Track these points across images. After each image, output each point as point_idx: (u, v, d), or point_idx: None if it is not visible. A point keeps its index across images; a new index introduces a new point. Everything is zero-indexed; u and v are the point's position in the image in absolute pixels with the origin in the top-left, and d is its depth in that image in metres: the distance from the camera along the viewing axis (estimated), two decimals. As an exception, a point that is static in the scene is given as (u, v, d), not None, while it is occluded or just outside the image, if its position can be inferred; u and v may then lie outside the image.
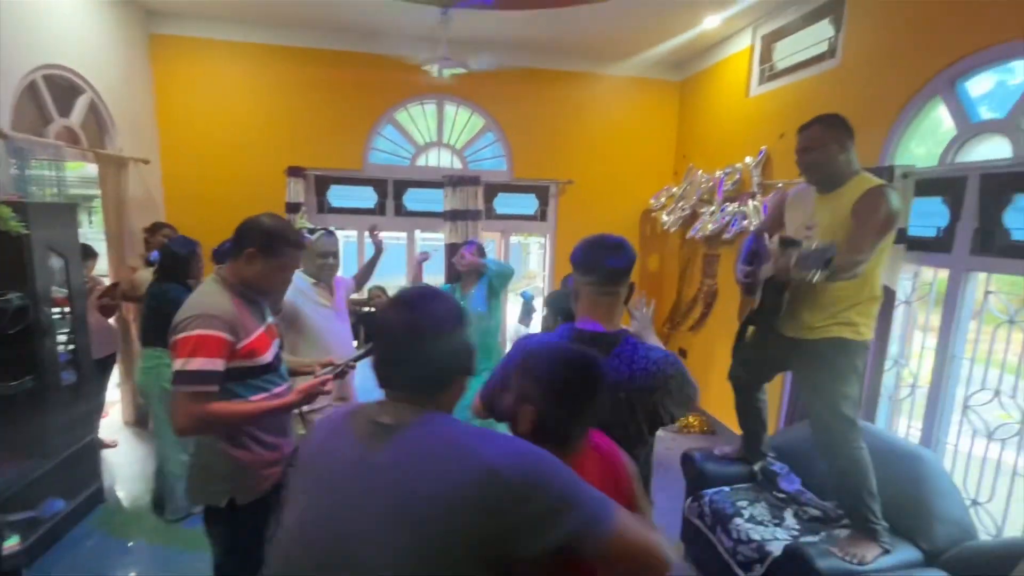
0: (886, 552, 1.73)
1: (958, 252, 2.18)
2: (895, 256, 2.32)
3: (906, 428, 2.48)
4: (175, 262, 2.50)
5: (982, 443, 2.14)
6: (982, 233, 2.11)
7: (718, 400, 3.85)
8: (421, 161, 4.36)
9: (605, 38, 3.87)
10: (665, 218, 4.24)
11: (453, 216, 4.18)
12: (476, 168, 4.39)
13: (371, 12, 3.53)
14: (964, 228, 2.16)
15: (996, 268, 2.07)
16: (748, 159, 3.44)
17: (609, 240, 1.21)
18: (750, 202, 3.34)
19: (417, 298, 0.81)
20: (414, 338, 0.78)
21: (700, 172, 3.98)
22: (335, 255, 2.27)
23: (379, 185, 4.29)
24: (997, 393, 2.11)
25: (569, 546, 0.70)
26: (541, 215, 4.53)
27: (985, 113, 2.17)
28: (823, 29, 2.97)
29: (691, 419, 3.94)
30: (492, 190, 4.40)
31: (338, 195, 4.27)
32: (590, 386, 0.90)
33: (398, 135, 4.30)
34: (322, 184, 4.19)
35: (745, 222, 3.35)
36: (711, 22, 3.48)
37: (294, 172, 3.99)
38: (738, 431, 2.45)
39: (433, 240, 6.42)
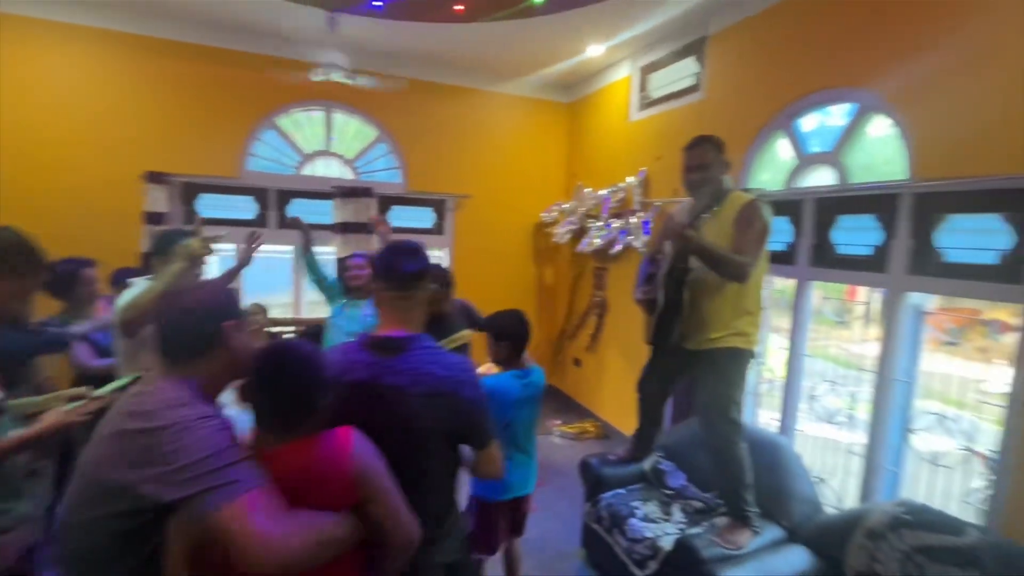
0: (757, 535, 1.93)
1: (800, 264, 2.54)
2: (753, 268, 2.63)
3: (766, 419, 2.82)
4: None
5: (824, 427, 2.50)
6: (817, 248, 2.48)
7: (611, 406, 4.07)
8: (308, 170, 4.10)
9: (496, 57, 3.97)
10: (556, 231, 4.42)
11: (344, 229, 3.97)
12: (369, 180, 4.23)
13: (251, 9, 3.26)
14: (804, 244, 2.52)
15: (828, 277, 2.45)
16: (630, 179, 3.72)
17: (404, 246, 1.23)
18: (632, 218, 3.60)
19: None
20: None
21: (588, 189, 4.22)
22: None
23: (260, 195, 3.94)
24: (833, 384, 2.47)
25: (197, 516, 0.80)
26: (438, 228, 4.48)
27: (815, 147, 2.56)
28: (690, 65, 3.32)
29: (588, 425, 4.10)
30: (386, 202, 4.26)
31: (211, 205, 3.84)
32: (275, 371, 0.98)
33: (282, 142, 4.00)
34: (190, 192, 3.74)
35: (630, 237, 3.60)
36: (594, 51, 3.72)
37: (155, 178, 3.52)
38: (630, 433, 2.59)
39: (325, 254, 6.05)
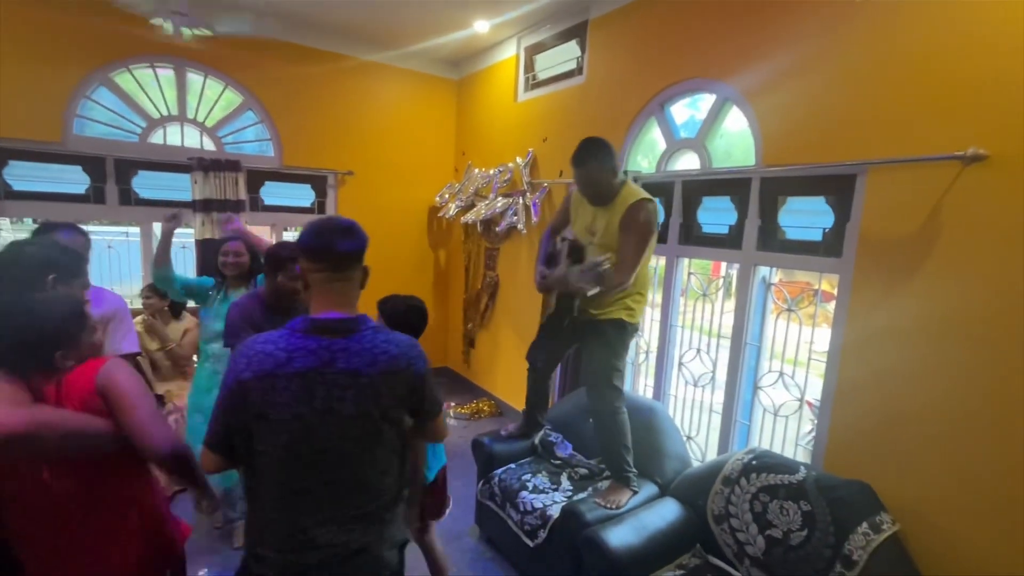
0: (635, 493, 2.09)
1: (671, 243, 2.75)
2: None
3: (643, 386, 3.05)
4: None
5: (692, 390, 2.77)
6: (685, 227, 2.70)
7: (505, 384, 4.15)
8: (157, 138, 3.55)
9: (376, 23, 3.73)
10: (449, 210, 4.33)
11: (206, 206, 3.52)
12: (236, 152, 3.78)
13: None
14: (674, 223, 2.73)
15: (694, 255, 2.68)
16: (518, 159, 3.74)
17: (339, 223, 1.13)
18: (520, 199, 3.64)
19: None
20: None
21: (477, 170, 4.18)
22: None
23: (94, 165, 3.34)
24: (698, 351, 2.74)
25: None
26: (319, 207, 4.17)
27: (683, 133, 2.77)
28: (572, 49, 3.40)
29: (482, 405, 4.14)
30: (257, 178, 3.86)
31: (23, 174, 3.17)
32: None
33: (121, 105, 3.41)
34: (-7, 159, 3.05)
35: (515, 218, 3.64)
36: (481, 26, 3.66)
37: (-63, 140, 2.81)
38: (521, 408, 2.66)
39: (181, 235, 5.31)
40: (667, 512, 1.99)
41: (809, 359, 2.24)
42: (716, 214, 2.54)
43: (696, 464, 2.41)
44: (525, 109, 3.86)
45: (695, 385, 2.73)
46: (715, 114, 2.56)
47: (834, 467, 1.99)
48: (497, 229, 3.85)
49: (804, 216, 2.18)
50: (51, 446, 1.06)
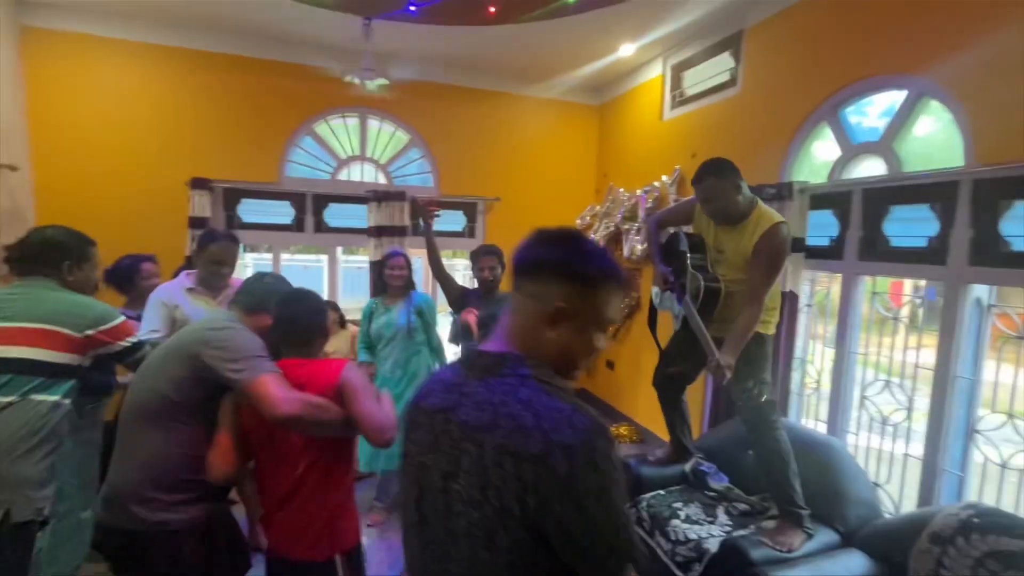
0: (810, 537, 1.84)
1: (848, 258, 2.44)
2: (795, 263, 2.55)
3: (813, 425, 2.70)
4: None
5: (876, 433, 2.38)
6: (867, 240, 2.38)
7: (646, 409, 3.99)
8: (343, 175, 4.20)
9: (526, 59, 3.99)
10: (592, 236, 4.37)
11: (379, 232, 4.04)
12: (402, 184, 4.30)
13: (286, 19, 3.38)
14: (852, 237, 2.42)
15: (881, 271, 2.34)
16: (664, 177, 3.66)
17: (557, 230, 0.85)
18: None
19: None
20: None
21: (621, 190, 4.18)
22: (229, 264, 2.17)
23: (297, 200, 4.06)
24: (887, 383, 2.36)
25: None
26: (469, 232, 4.51)
27: (862, 137, 2.47)
28: (725, 61, 3.27)
29: (622, 429, 4.03)
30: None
31: (250, 210, 3.97)
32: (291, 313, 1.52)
33: (319, 148, 4.12)
34: (232, 197, 3.88)
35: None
36: (626, 50, 3.71)
37: (198, 184, 3.66)
38: (666, 436, 2.54)
39: (355, 262, 6.18)
40: (854, 565, 1.72)
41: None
42: (909, 225, 2.20)
43: (887, 515, 2.05)
44: (672, 127, 3.79)
45: (884, 423, 2.34)
46: (907, 112, 2.24)
47: (1101, 541, 1.54)
48: (639, 248, 3.78)
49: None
50: (311, 424, 1.34)
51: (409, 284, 2.84)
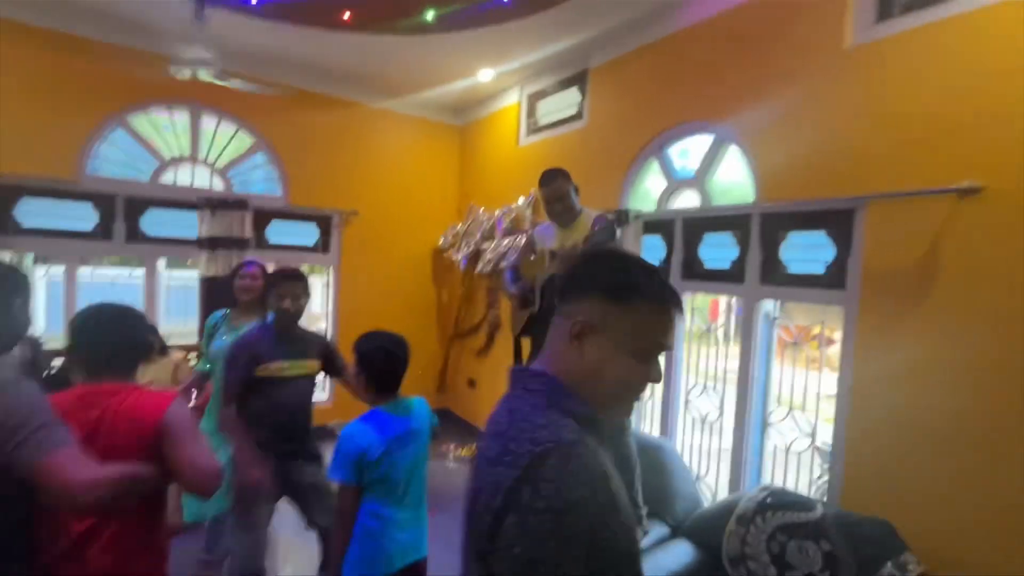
0: (645, 534, 2.01)
1: (674, 278, 2.77)
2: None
3: (648, 429, 2.99)
4: None
5: (698, 431, 2.71)
6: (687, 263, 2.73)
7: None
8: (168, 178, 3.64)
9: (385, 72, 3.91)
10: (455, 256, 4.39)
11: (212, 244, 3.56)
12: (244, 191, 3.87)
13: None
14: (676, 259, 2.76)
15: (697, 289, 2.70)
16: (521, 200, 3.83)
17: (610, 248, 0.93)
18: (524, 238, 3.69)
19: None
20: None
21: (481, 210, 4.27)
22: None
23: (103, 202, 3.40)
24: (705, 387, 2.71)
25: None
26: (323, 246, 4.21)
27: (683, 173, 2.85)
28: (573, 95, 3.55)
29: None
30: (264, 217, 3.92)
31: (35, 212, 3.22)
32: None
33: (136, 145, 3.52)
34: (7, 196, 3.11)
35: (516, 256, 3.68)
36: (485, 75, 3.84)
37: (-48, 176, 2.88)
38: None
39: (182, 278, 5.31)
40: (681, 554, 1.91)
41: (817, 403, 2.21)
42: (718, 250, 2.58)
43: (706, 504, 2.33)
44: (527, 153, 3.99)
45: (703, 422, 2.68)
46: (713, 153, 2.65)
47: (852, 506, 1.92)
48: (503, 265, 3.88)
49: (806, 250, 2.22)
50: (119, 499, 1.11)
51: (264, 301, 2.45)
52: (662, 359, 0.81)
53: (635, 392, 0.76)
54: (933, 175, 1.79)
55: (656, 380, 0.77)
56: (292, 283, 1.96)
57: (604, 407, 0.76)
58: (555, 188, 2.28)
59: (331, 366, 2.09)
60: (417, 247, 4.69)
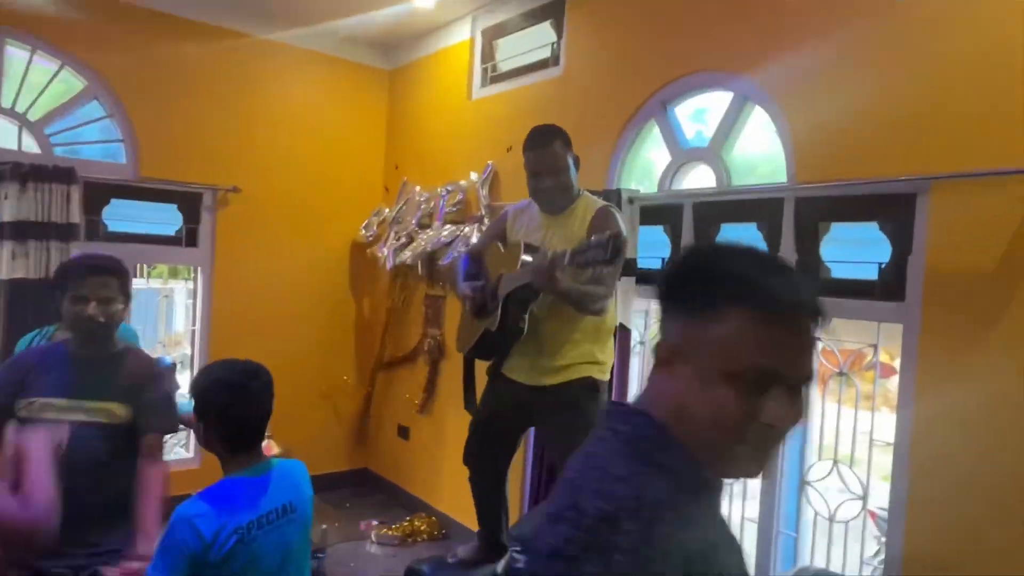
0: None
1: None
2: (627, 290, 2.84)
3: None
4: None
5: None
6: (699, 264, 2.76)
7: (453, 491, 4.00)
8: (-50, 135, 3.44)
9: (285, -7, 3.84)
10: (381, 252, 4.34)
11: (19, 232, 3.38)
12: (69, 156, 3.70)
13: None
14: (684, 259, 2.80)
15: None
16: (474, 175, 3.82)
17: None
18: (475, 228, 3.68)
19: None
20: None
21: (418, 189, 4.23)
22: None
23: None
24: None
25: None
26: (189, 237, 4.08)
27: (694, 140, 2.90)
28: (545, 32, 3.58)
29: (419, 523, 3.99)
30: (100, 194, 3.77)
31: None
32: None
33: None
34: None
35: (464, 248, 3.66)
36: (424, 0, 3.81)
37: None
38: (476, 527, 2.60)
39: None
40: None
41: (870, 453, 2.27)
42: (739, 246, 2.63)
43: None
44: (482, 109, 3.99)
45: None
46: (733, 117, 2.70)
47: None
48: (441, 263, 3.85)
49: (853, 247, 2.28)
50: None
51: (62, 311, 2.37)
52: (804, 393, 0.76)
53: (749, 438, 0.71)
54: (1021, 151, 1.86)
55: (793, 420, 0.72)
56: (99, 277, 1.81)
57: (714, 462, 0.74)
58: (547, 156, 2.21)
59: (146, 413, 1.87)
60: (328, 240, 4.61)
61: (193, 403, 1.56)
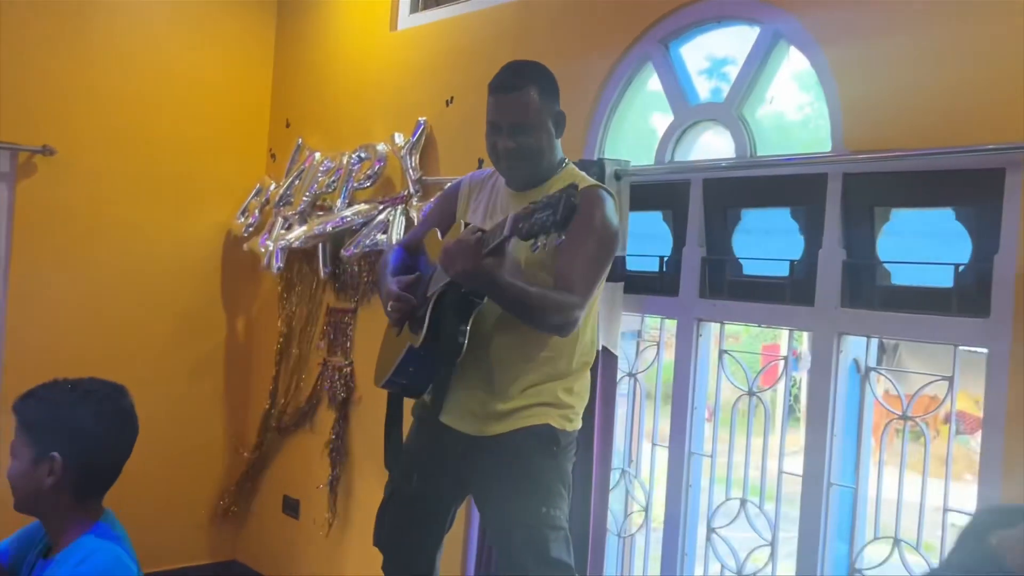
0: None
1: (686, 295, 2.82)
2: (612, 300, 2.84)
3: (642, 569, 3.01)
4: None
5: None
6: (713, 266, 2.79)
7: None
8: None
9: None
10: (263, 247, 4.32)
11: None
12: None
13: None
14: (691, 258, 2.82)
15: (733, 316, 2.78)
16: (398, 137, 3.80)
17: None
18: (399, 209, 3.66)
19: None
20: None
21: (318, 155, 4.21)
22: None
23: None
24: (743, 507, 2.75)
25: None
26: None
27: (703, 93, 2.94)
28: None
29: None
30: None
31: None
32: None
33: None
34: None
35: (383, 236, 3.68)
36: None
37: None
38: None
39: None
40: None
41: (944, 533, 2.29)
42: (767, 239, 2.66)
43: None
44: (411, 46, 4.01)
45: (739, 572, 2.73)
46: (760, 62, 2.73)
47: None
48: (344, 254, 3.81)
49: (921, 241, 2.32)
50: None
51: None
52: None
53: None
54: None
55: None
56: None
57: None
58: (514, 104, 2.14)
59: None
60: (188, 231, 4.60)
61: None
